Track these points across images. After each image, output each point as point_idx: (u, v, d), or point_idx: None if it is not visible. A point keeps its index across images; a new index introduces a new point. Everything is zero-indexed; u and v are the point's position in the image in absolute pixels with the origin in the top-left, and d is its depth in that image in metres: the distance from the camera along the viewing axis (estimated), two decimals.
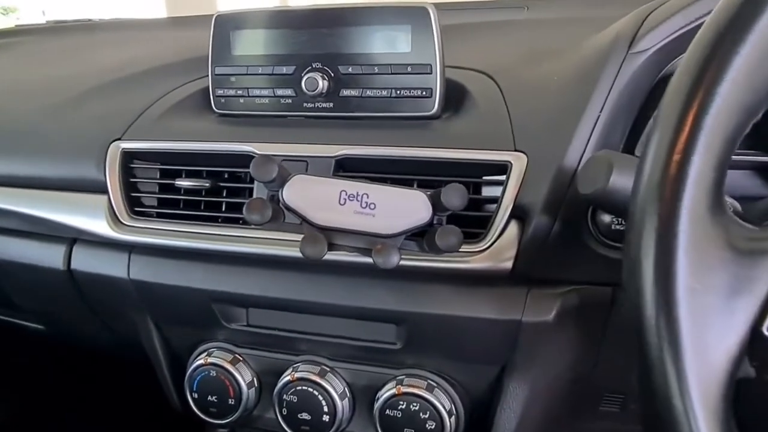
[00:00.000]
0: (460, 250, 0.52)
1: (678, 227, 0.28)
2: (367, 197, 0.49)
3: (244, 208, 0.48)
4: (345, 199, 0.49)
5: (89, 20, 1.18)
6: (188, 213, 0.61)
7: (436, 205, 0.49)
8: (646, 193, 0.30)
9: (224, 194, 0.61)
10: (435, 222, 0.50)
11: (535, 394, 0.57)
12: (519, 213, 0.51)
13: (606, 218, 0.51)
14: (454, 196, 0.47)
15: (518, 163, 0.51)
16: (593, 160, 0.43)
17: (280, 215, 0.50)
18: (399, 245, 0.48)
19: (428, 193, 0.49)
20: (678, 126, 0.30)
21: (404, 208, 0.49)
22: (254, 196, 0.58)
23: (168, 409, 0.76)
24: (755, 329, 0.29)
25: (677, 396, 0.28)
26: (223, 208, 0.61)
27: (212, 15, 0.64)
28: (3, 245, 0.71)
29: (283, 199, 0.49)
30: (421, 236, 0.50)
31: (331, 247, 0.49)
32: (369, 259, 0.53)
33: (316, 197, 0.49)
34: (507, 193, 0.51)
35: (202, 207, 0.61)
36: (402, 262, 0.52)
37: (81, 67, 0.82)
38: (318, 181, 0.50)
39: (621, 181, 0.41)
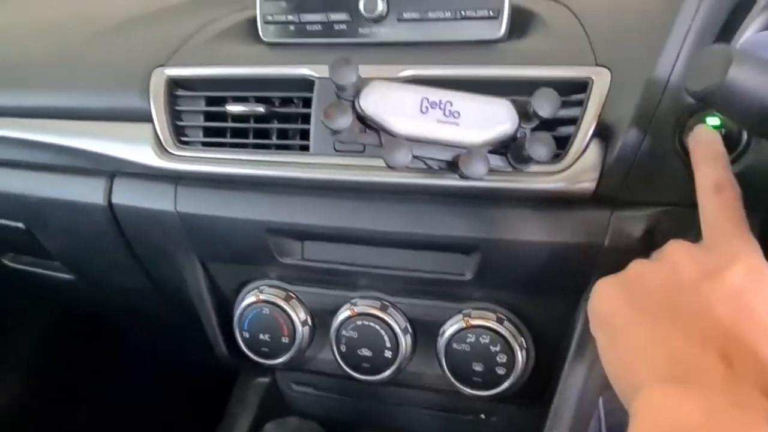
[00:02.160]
0: (539, 170, 0.49)
1: None
2: (451, 105, 0.46)
3: (323, 114, 0.45)
4: (427, 107, 0.46)
5: None
6: (238, 141, 0.58)
7: (523, 114, 0.46)
8: None
9: (275, 122, 0.58)
10: (518, 135, 0.48)
11: None
12: (602, 132, 0.48)
13: None
14: (546, 100, 0.45)
15: (600, 78, 0.48)
16: (708, 52, 0.40)
17: (354, 127, 0.47)
18: (486, 155, 0.45)
19: (515, 101, 0.47)
20: None
21: (490, 116, 0.46)
22: (312, 122, 0.55)
23: (199, 369, 0.73)
24: None
25: None
26: (275, 137, 0.58)
27: None
28: (37, 182, 0.68)
29: (360, 106, 0.46)
30: (503, 153, 0.48)
31: (413, 159, 0.46)
32: (441, 181, 0.51)
33: (396, 105, 0.46)
34: (589, 111, 0.48)
35: (251, 136, 0.58)
36: (476, 184, 0.50)
37: (109, 5, 0.78)
38: (398, 87, 0.46)
39: (741, 75, 0.38)
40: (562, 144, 0.49)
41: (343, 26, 0.58)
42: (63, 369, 1.14)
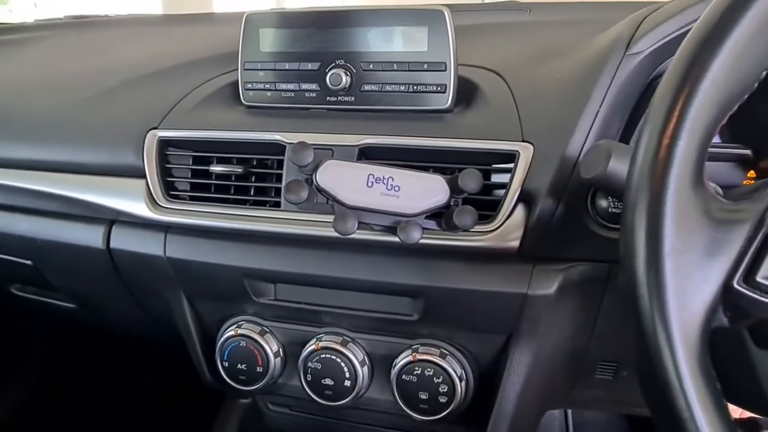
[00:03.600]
0: (473, 230, 0.58)
1: (666, 198, 0.34)
2: (393, 180, 0.55)
3: (283, 189, 0.54)
4: (372, 182, 0.55)
5: (106, 15, 1.23)
6: (219, 196, 0.66)
7: (454, 188, 0.55)
8: (641, 171, 0.36)
9: (253, 180, 0.67)
10: (452, 204, 0.56)
11: (537, 361, 0.63)
12: (525, 197, 0.57)
13: (604, 202, 0.57)
14: (471, 179, 0.53)
15: (525, 152, 0.57)
16: (594, 148, 0.49)
17: (312, 196, 0.56)
18: (420, 224, 0.54)
19: (446, 177, 0.55)
20: (667, 116, 0.36)
21: (425, 190, 0.55)
22: (283, 181, 0.64)
23: (188, 388, 0.81)
24: (727, 284, 0.35)
25: (663, 338, 0.34)
26: (252, 193, 0.67)
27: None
28: (44, 226, 0.77)
29: (316, 181, 0.55)
30: (439, 217, 0.57)
31: (360, 225, 0.55)
32: (391, 238, 0.60)
33: (346, 180, 0.55)
34: (515, 179, 0.57)
35: (232, 191, 0.67)
36: (421, 241, 0.59)
37: (110, 61, 0.87)
38: (348, 165, 0.56)
39: (618, 166, 0.47)
40: (493, 206, 0.58)
41: (313, 95, 0.67)
42: (63, 384, 1.22)
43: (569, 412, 1.37)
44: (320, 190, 0.55)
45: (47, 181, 0.74)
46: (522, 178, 0.56)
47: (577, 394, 0.73)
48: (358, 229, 0.54)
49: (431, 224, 0.56)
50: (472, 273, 0.60)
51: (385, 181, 0.55)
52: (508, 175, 0.57)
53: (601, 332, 0.63)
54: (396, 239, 0.59)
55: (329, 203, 0.56)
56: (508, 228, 0.57)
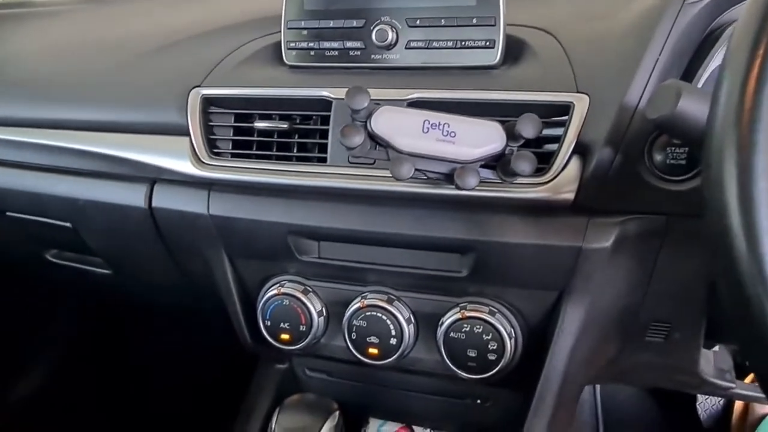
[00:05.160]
0: (526, 182, 0.57)
1: (755, 141, 0.33)
2: (449, 126, 0.54)
3: (340, 134, 0.53)
4: (428, 128, 0.54)
5: None
6: (262, 153, 0.66)
7: (510, 135, 0.54)
8: (724, 116, 0.35)
9: (296, 137, 0.66)
10: (507, 152, 0.55)
11: (589, 319, 0.62)
12: (580, 149, 0.56)
13: (660, 155, 0.55)
14: (529, 125, 0.52)
15: (580, 103, 0.56)
16: (663, 87, 0.47)
17: (366, 143, 0.55)
18: (477, 170, 0.53)
19: (503, 123, 0.54)
20: (750, 59, 0.35)
21: (481, 136, 0.54)
22: (330, 136, 0.63)
23: (221, 357, 0.80)
24: None
25: (761, 284, 0.33)
26: (295, 150, 0.66)
27: None
28: (86, 186, 0.77)
29: (371, 127, 0.54)
30: (494, 167, 0.56)
31: (414, 172, 0.54)
32: (441, 190, 0.59)
33: (401, 126, 0.54)
34: (570, 131, 0.55)
35: (275, 149, 0.66)
36: (472, 193, 0.58)
37: (148, 27, 0.86)
38: (403, 111, 0.55)
39: (688, 106, 0.45)
40: (547, 159, 0.57)
41: (358, 53, 0.66)
42: (91, 360, 1.23)
43: (598, 393, 1.36)
44: (374, 136, 0.54)
45: (90, 140, 0.74)
46: (577, 130, 0.55)
47: (625, 359, 0.71)
48: (412, 176, 0.53)
49: (486, 173, 0.55)
50: (525, 227, 0.59)
51: (440, 127, 0.54)
52: (561, 129, 0.56)
53: (655, 289, 0.62)
54: (445, 192, 0.59)
55: (378, 149, 0.55)
56: (563, 180, 0.56)
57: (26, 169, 0.80)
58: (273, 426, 0.56)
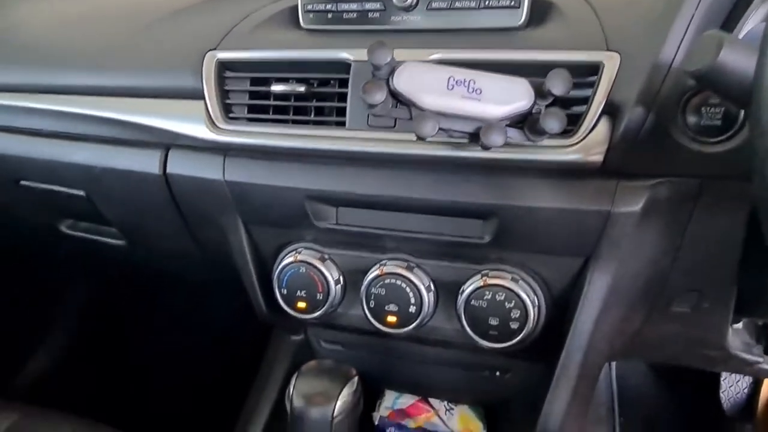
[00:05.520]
0: (553, 144, 0.55)
1: None
2: (474, 83, 0.52)
3: (361, 90, 0.51)
4: (453, 85, 0.52)
5: None
6: (279, 117, 0.64)
7: (539, 92, 0.52)
8: None
9: (314, 100, 0.64)
10: (534, 111, 0.53)
11: (615, 287, 0.60)
12: (610, 109, 0.53)
13: (693, 118, 0.53)
14: (559, 81, 0.50)
15: (611, 62, 0.53)
16: (704, 37, 0.45)
17: (389, 101, 0.53)
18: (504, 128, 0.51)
19: (530, 80, 0.52)
20: None
21: (508, 93, 0.52)
22: (348, 99, 0.61)
23: (234, 329, 0.79)
24: None
25: None
26: (312, 114, 0.64)
27: None
28: (100, 153, 0.76)
29: (393, 84, 0.52)
30: (520, 127, 0.54)
31: (438, 131, 0.52)
32: (463, 152, 0.57)
33: (425, 82, 0.52)
34: (599, 91, 0.53)
35: (291, 113, 0.64)
36: (496, 155, 0.56)
37: None
38: (427, 67, 0.53)
39: (730, 57, 0.43)
40: (575, 121, 0.55)
41: (377, 14, 0.63)
42: (112, 321, 1.22)
43: (614, 378, 1.35)
44: (397, 93, 0.52)
45: (105, 106, 0.73)
46: (607, 90, 0.53)
47: (650, 331, 0.69)
48: (435, 135, 0.52)
49: (512, 132, 0.53)
50: (551, 190, 0.57)
51: (466, 84, 0.51)
52: (590, 90, 0.53)
53: (685, 256, 0.59)
54: (468, 154, 0.57)
55: (401, 107, 0.53)
56: (591, 142, 0.54)
57: (40, 136, 0.79)
58: (291, 392, 0.55)
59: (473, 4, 0.60)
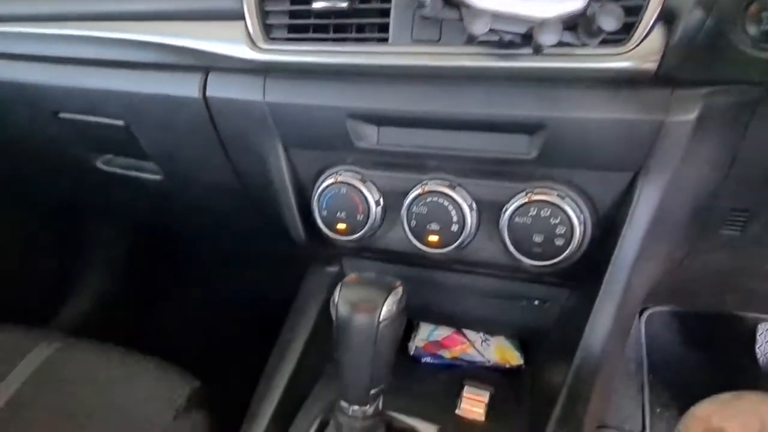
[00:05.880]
0: (605, 52, 0.53)
1: None
2: None
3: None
4: None
5: None
6: (319, 36, 0.63)
7: None
8: None
9: (354, 18, 0.63)
10: (588, 13, 0.51)
11: (664, 203, 0.59)
12: (666, 15, 0.51)
13: (755, 22, 0.51)
14: None
15: None
16: None
17: (438, 3, 0.52)
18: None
19: None
20: None
21: None
22: (391, 14, 0.60)
23: (269, 264, 0.79)
24: None
25: None
26: (353, 31, 0.63)
27: None
28: (138, 79, 0.75)
29: None
30: (573, 29, 0.52)
31: (488, 34, 0.51)
32: (511, 63, 0.56)
33: None
34: None
35: (332, 31, 0.63)
36: (545, 65, 0.55)
37: None
38: None
39: None
40: (628, 29, 0.53)
41: None
42: (149, 263, 1.24)
43: (643, 328, 1.34)
44: None
45: (144, 30, 0.72)
46: None
47: (694, 261, 0.68)
48: (486, 35, 0.50)
49: (566, 35, 0.51)
50: (603, 100, 0.55)
51: None
52: None
53: (738, 172, 0.58)
54: (517, 64, 0.56)
55: (450, 9, 0.52)
56: (646, 48, 0.52)
57: (79, 65, 0.79)
58: (336, 299, 0.55)
59: None
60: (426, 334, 0.87)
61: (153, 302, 1.27)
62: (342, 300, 0.55)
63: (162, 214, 1.12)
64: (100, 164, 0.96)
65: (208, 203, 0.95)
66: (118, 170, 0.95)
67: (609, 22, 0.49)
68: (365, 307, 0.54)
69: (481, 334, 0.86)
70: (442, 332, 0.87)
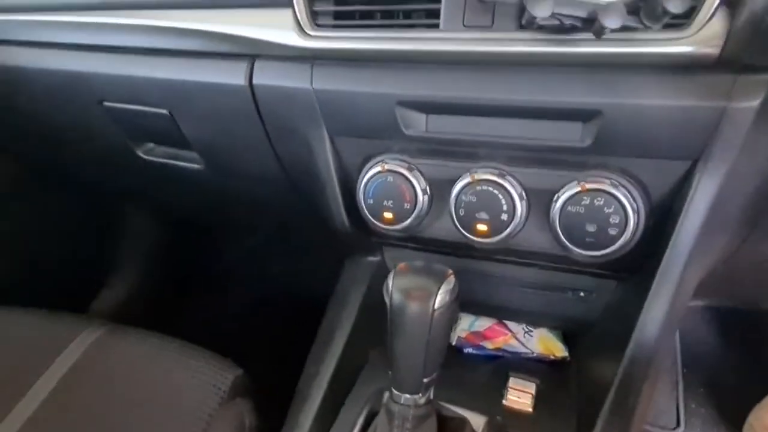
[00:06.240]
0: (665, 37, 0.52)
1: None
2: None
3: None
4: None
5: None
6: (367, 23, 0.62)
7: None
8: None
9: (400, 4, 0.62)
10: None
11: (722, 192, 0.57)
12: None
13: None
14: None
15: None
16: None
17: None
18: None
19: None
20: None
21: None
22: (443, 0, 0.59)
23: (306, 254, 0.79)
24: None
25: None
26: (400, 17, 0.62)
27: None
28: (183, 67, 0.76)
29: None
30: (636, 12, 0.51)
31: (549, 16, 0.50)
32: (567, 48, 0.55)
33: None
34: None
35: (378, 17, 0.63)
36: (602, 50, 0.54)
37: None
38: None
39: None
40: (689, 13, 0.51)
41: None
42: (187, 252, 1.25)
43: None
44: None
45: (192, 18, 0.72)
46: None
47: (747, 251, 0.67)
48: (544, 23, 0.50)
49: (628, 19, 0.50)
50: (663, 86, 0.54)
51: None
52: None
53: None
54: (573, 50, 0.54)
55: None
56: (708, 33, 0.51)
57: (124, 53, 0.80)
58: (390, 287, 0.55)
59: None
60: (467, 324, 0.87)
61: (191, 291, 1.28)
62: (396, 288, 0.55)
63: (201, 203, 1.13)
64: (141, 153, 0.97)
65: (248, 192, 0.96)
66: (159, 159, 0.96)
67: (675, 4, 0.48)
68: (420, 295, 0.54)
69: (524, 326, 0.86)
70: (484, 323, 0.86)
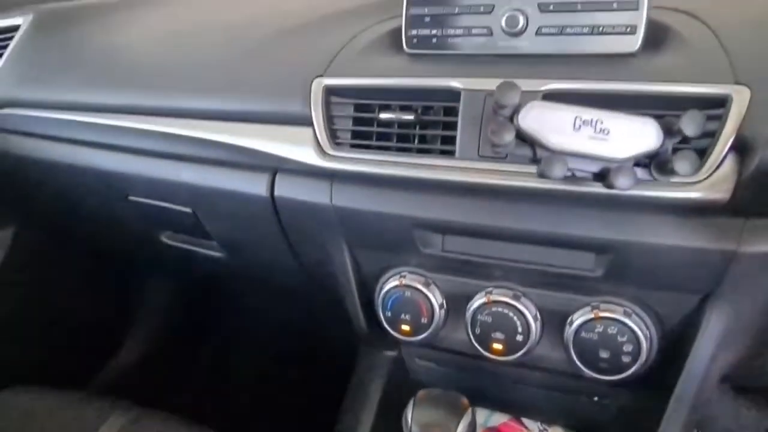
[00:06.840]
0: (676, 180, 0.54)
1: None
2: (601, 123, 0.51)
3: (489, 131, 0.51)
4: (579, 125, 0.51)
5: None
6: (383, 144, 0.65)
7: (667, 130, 0.51)
8: None
9: (418, 128, 0.64)
10: (660, 150, 0.52)
11: (734, 326, 0.58)
12: (739, 145, 0.52)
13: None
14: (693, 122, 0.49)
15: (740, 96, 0.51)
16: None
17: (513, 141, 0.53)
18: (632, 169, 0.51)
19: (659, 120, 0.51)
20: None
21: (636, 133, 0.51)
22: (459, 128, 0.61)
23: (321, 341, 0.81)
24: None
25: None
26: (416, 141, 0.64)
27: None
28: (208, 174, 0.79)
29: (519, 122, 0.52)
30: (646, 165, 0.53)
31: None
32: (580, 188, 0.56)
33: (551, 122, 0.51)
34: (727, 127, 0.51)
35: (395, 140, 0.65)
36: (615, 191, 0.56)
37: (262, 11, 0.87)
38: (553, 107, 0.52)
39: None
40: (699, 156, 0.53)
41: (484, 39, 0.63)
42: (197, 321, 1.27)
43: None
44: (522, 132, 0.52)
45: (213, 129, 0.75)
46: (736, 125, 0.51)
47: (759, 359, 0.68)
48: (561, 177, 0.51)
49: (638, 171, 0.52)
50: (673, 228, 0.56)
51: (593, 124, 0.51)
52: (716, 123, 0.52)
53: None
54: (586, 189, 0.56)
55: (523, 146, 0.53)
56: (718, 178, 0.52)
57: (150, 156, 0.83)
58: (409, 420, 0.57)
59: (585, 30, 0.59)
60: (483, 419, 0.88)
61: (199, 362, 1.30)
62: (416, 422, 0.56)
63: (219, 284, 1.16)
64: (164, 239, 1.00)
65: (267, 281, 0.98)
66: (182, 245, 0.99)
67: (685, 168, 0.49)
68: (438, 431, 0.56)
69: (539, 423, 0.87)
70: (499, 418, 0.87)
